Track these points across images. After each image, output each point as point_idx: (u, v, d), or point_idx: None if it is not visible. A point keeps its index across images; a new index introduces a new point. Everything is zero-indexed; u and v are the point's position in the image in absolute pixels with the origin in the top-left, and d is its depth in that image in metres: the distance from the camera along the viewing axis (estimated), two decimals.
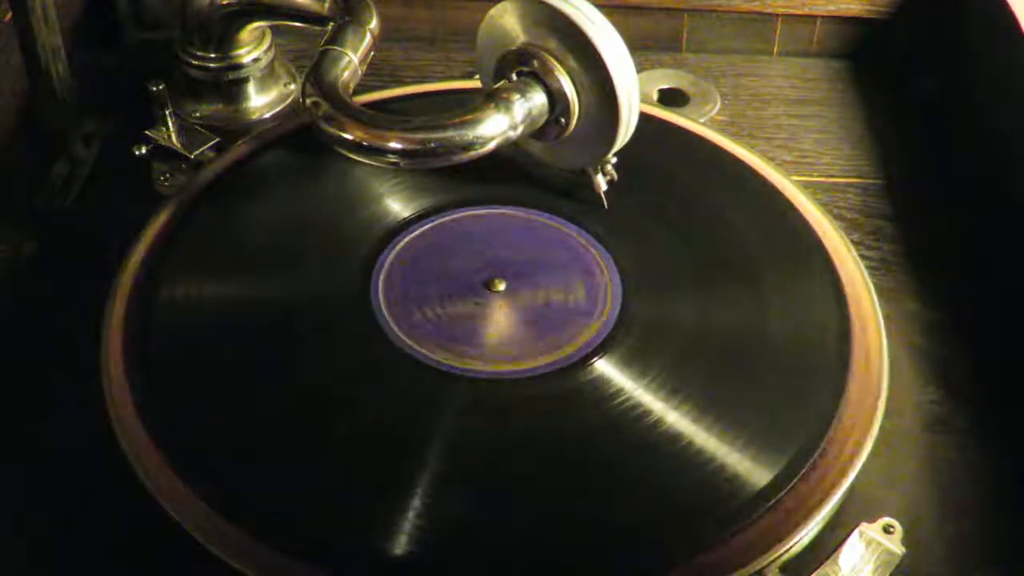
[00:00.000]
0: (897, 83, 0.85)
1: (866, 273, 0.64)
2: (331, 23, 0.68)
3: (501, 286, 0.63)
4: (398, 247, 0.65)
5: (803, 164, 0.78)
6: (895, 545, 0.52)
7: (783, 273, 0.64)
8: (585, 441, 0.55)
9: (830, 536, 0.53)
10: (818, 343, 0.60)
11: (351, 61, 0.65)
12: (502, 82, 0.65)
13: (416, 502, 0.51)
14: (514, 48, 0.64)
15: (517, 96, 0.63)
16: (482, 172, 0.66)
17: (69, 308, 0.63)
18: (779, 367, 0.59)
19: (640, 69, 0.84)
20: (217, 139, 0.72)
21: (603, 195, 0.67)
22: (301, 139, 0.68)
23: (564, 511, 0.52)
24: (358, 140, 0.60)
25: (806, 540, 0.52)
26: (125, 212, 0.67)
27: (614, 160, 0.67)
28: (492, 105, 0.62)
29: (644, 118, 0.66)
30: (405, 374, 0.58)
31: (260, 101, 0.76)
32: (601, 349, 0.59)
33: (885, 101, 0.84)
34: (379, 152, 0.60)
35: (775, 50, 0.89)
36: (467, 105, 0.62)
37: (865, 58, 0.88)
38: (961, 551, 0.54)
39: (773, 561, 0.51)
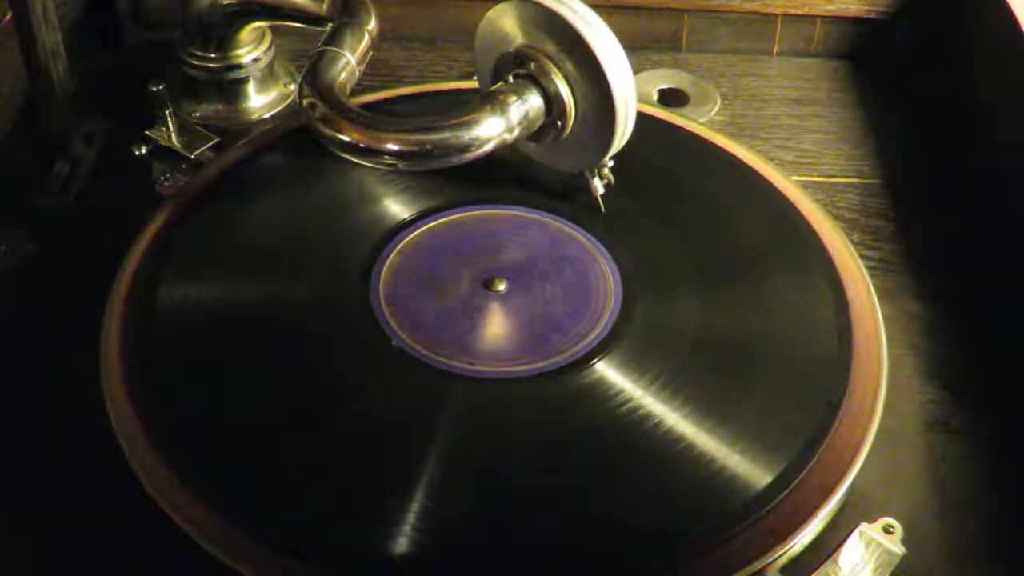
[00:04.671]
0: (897, 83, 0.85)
1: (866, 273, 0.64)
2: (330, 24, 0.68)
3: (501, 286, 0.63)
4: (398, 247, 0.65)
5: (803, 164, 0.78)
6: (895, 545, 0.52)
7: (783, 273, 0.64)
8: (585, 442, 0.55)
9: (830, 536, 0.53)
10: (818, 343, 0.60)
11: (349, 62, 0.65)
12: (499, 84, 0.65)
13: (416, 502, 0.51)
14: (511, 50, 0.64)
15: (514, 98, 0.63)
16: (482, 172, 0.66)
17: (69, 308, 0.63)
18: (779, 367, 0.59)
19: (640, 69, 0.84)
20: (217, 139, 0.72)
21: (599, 198, 0.67)
22: (301, 139, 0.68)
23: (564, 512, 0.52)
24: (355, 141, 0.60)
25: (806, 540, 0.52)
26: (125, 212, 0.67)
27: (611, 163, 0.67)
28: (488, 107, 0.62)
29: (644, 118, 0.66)
30: (405, 374, 0.58)
31: (260, 101, 0.76)
32: (601, 350, 0.59)
33: (885, 101, 0.84)
34: (376, 154, 0.60)
35: (775, 50, 0.89)
36: (464, 107, 0.62)
37: (865, 58, 0.88)
38: (961, 551, 0.54)
39: (773, 561, 0.51)
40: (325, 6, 0.69)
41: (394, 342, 0.59)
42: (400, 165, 0.61)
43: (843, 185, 0.76)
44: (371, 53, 0.68)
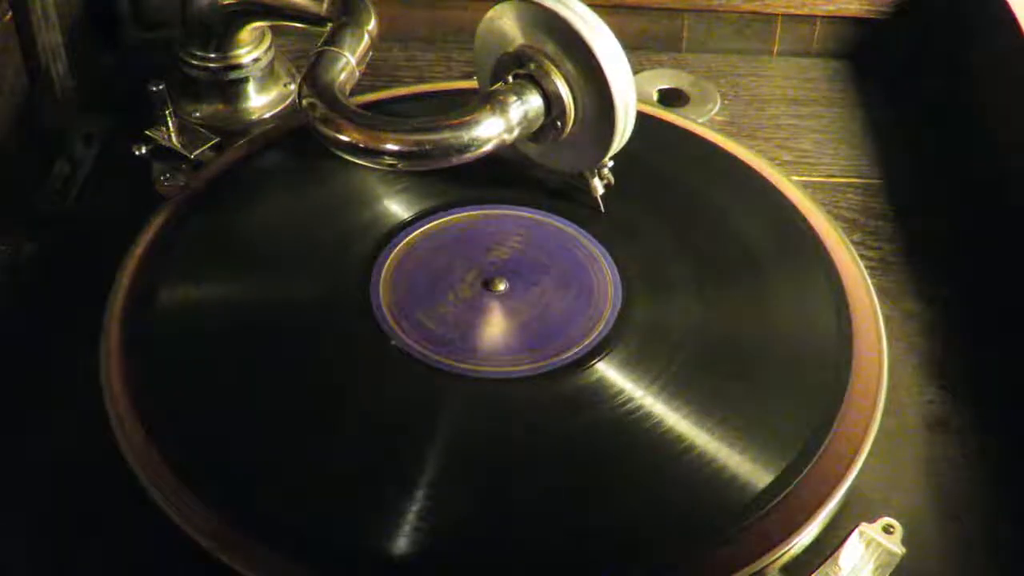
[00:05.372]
0: (897, 83, 0.85)
1: (866, 273, 0.64)
2: (330, 24, 0.68)
3: (501, 286, 0.63)
4: (398, 247, 0.65)
5: (803, 164, 0.78)
6: (895, 545, 0.52)
7: (783, 273, 0.64)
8: (585, 442, 0.55)
9: (830, 536, 0.53)
10: (818, 343, 0.60)
11: (348, 62, 0.65)
12: (498, 84, 0.65)
13: (416, 502, 0.51)
14: (511, 50, 0.64)
15: (513, 98, 0.63)
16: (482, 173, 0.66)
17: (69, 308, 0.63)
18: (779, 367, 0.59)
19: (640, 69, 0.84)
20: (217, 139, 0.72)
21: (599, 198, 0.67)
22: (301, 139, 0.68)
23: (564, 512, 0.52)
24: (354, 142, 0.60)
25: (806, 540, 0.52)
26: (125, 212, 0.67)
27: (611, 164, 0.67)
28: (488, 107, 0.62)
29: (644, 118, 0.66)
30: (405, 374, 0.58)
31: (260, 101, 0.76)
32: (601, 350, 0.59)
33: (885, 101, 0.84)
34: (375, 154, 0.60)
35: (775, 50, 0.89)
36: (463, 107, 0.62)
37: (865, 58, 0.88)
38: (961, 551, 0.54)
39: (773, 561, 0.51)
40: (325, 6, 0.69)
41: (393, 342, 0.59)
42: (400, 165, 0.61)
43: (843, 185, 0.76)
44: (371, 53, 0.68)
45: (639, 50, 0.86)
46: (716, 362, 0.59)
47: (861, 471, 0.54)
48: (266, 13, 0.72)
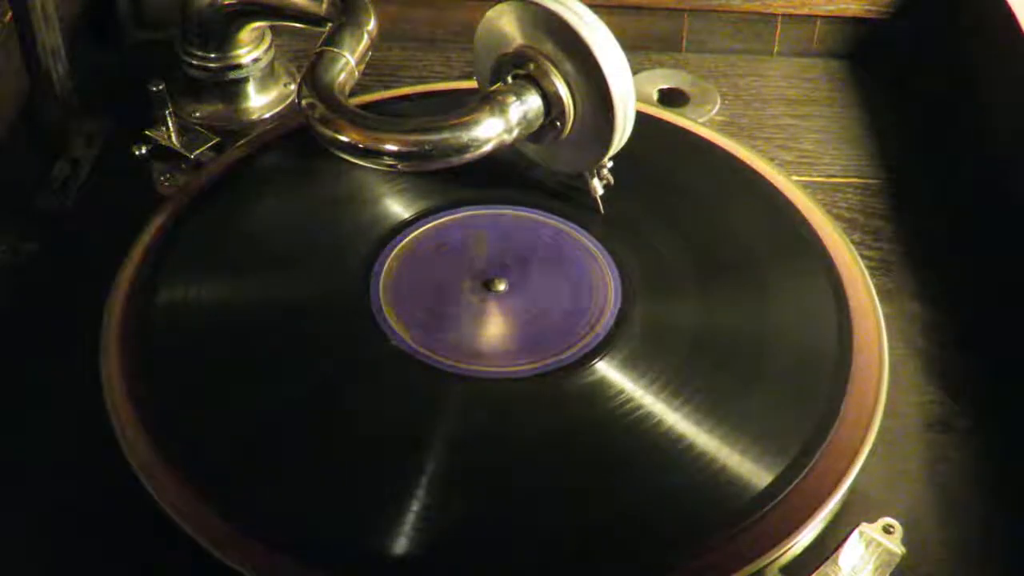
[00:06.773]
0: (897, 83, 0.85)
1: (866, 273, 0.64)
2: (329, 24, 0.68)
3: (501, 286, 0.63)
4: (398, 247, 0.65)
5: (803, 164, 0.78)
6: (895, 545, 0.52)
7: (783, 273, 0.64)
8: (585, 442, 0.55)
9: (830, 536, 0.53)
10: (818, 343, 0.60)
11: (348, 63, 0.65)
12: (498, 85, 0.65)
13: (416, 502, 0.51)
14: (511, 51, 0.64)
15: (513, 99, 0.63)
16: (482, 173, 0.66)
17: (69, 308, 0.63)
18: (779, 367, 0.59)
19: (640, 69, 0.84)
20: (217, 139, 0.72)
21: (599, 199, 0.67)
22: (301, 140, 0.68)
23: (564, 512, 0.52)
24: (354, 142, 0.60)
25: (806, 540, 0.52)
26: (125, 212, 0.67)
27: (610, 164, 0.67)
28: (487, 108, 0.62)
29: (644, 118, 0.66)
30: (405, 374, 0.58)
31: (260, 101, 0.76)
32: (601, 350, 0.59)
33: (885, 101, 0.84)
34: (375, 154, 0.60)
35: (775, 50, 0.89)
36: (463, 107, 0.62)
37: (865, 58, 0.88)
38: (961, 551, 0.54)
39: (773, 561, 0.51)
40: (325, 6, 0.69)
41: (393, 342, 0.59)
42: (399, 166, 0.61)
43: (843, 185, 0.76)
44: (370, 53, 0.68)
45: (639, 50, 0.86)
46: (716, 362, 0.59)
47: (861, 471, 0.54)
48: (266, 13, 0.72)
